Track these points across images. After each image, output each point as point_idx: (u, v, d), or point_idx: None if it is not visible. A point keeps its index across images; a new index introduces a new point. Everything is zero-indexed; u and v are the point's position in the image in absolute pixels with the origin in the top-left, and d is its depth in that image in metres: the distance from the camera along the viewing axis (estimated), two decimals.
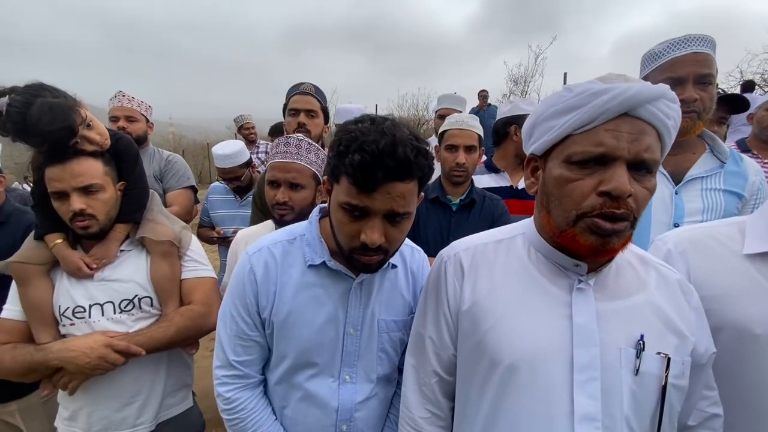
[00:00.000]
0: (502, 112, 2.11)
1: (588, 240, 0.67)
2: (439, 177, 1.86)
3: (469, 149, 1.77)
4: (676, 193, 1.22)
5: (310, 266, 0.97)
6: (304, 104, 1.97)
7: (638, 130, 0.65)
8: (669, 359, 0.70)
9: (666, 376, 0.70)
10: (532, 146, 0.77)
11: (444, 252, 0.90)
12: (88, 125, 1.22)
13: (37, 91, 1.15)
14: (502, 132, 2.03)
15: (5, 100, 1.11)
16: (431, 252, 1.06)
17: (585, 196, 0.66)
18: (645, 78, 1.29)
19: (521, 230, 0.86)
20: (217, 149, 2.58)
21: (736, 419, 0.82)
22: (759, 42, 9.54)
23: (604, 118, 0.65)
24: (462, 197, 1.79)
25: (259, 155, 4.39)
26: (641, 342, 0.70)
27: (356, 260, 0.88)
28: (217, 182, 2.84)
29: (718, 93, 1.63)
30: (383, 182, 0.78)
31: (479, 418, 0.78)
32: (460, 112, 2.84)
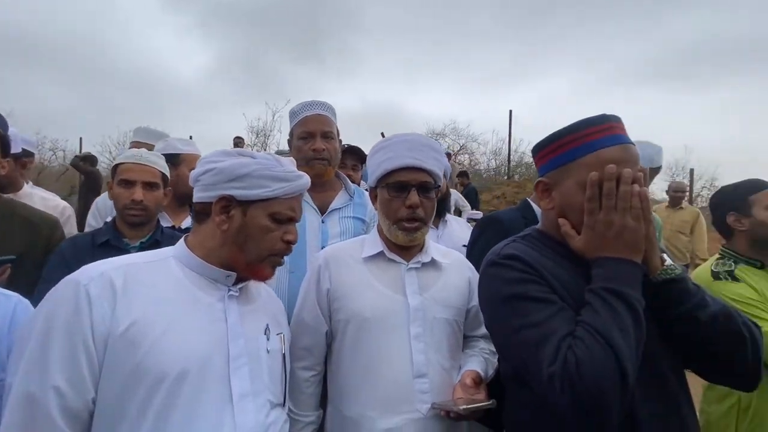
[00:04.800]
0: (158, 149, 1.89)
1: (272, 271, 0.95)
2: (114, 218, 1.53)
3: (149, 186, 1.47)
4: (323, 222, 1.55)
5: None
6: None
7: None
8: (283, 336, 0.99)
9: (283, 348, 0.98)
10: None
11: (78, 276, 0.79)
12: None
13: None
14: None
15: None
16: None
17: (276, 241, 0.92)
18: (292, 129, 1.64)
19: (170, 253, 0.92)
20: None
21: (361, 384, 1.10)
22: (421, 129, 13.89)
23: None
24: (144, 239, 1.48)
25: None
26: (268, 329, 0.95)
27: None
28: None
29: (344, 146, 2.01)
30: None
31: None
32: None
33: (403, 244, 1.16)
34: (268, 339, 0.94)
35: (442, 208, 2.13)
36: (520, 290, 0.86)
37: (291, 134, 1.63)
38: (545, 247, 0.94)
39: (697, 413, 1.53)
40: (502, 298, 0.89)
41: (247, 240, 0.89)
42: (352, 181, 1.79)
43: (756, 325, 0.85)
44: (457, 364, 1.14)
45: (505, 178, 12.85)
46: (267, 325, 0.96)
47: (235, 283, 0.93)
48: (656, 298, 0.84)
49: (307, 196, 1.50)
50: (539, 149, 0.97)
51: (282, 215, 0.90)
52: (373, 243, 1.21)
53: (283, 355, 0.97)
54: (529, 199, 1.67)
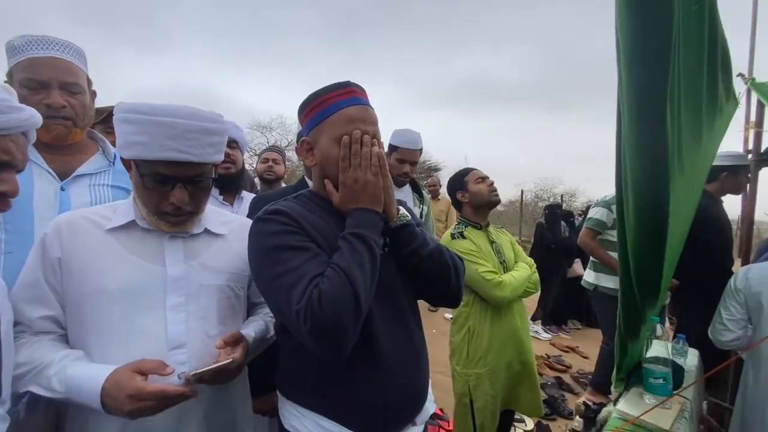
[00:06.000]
0: None
1: None
2: None
3: None
4: (63, 190, 1.22)
5: None
6: None
7: None
8: None
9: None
10: None
11: None
12: None
13: None
14: None
15: None
16: None
17: None
18: (11, 70, 1.19)
19: None
20: None
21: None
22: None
23: None
24: None
25: None
26: None
27: None
28: None
29: (112, 108, 1.78)
30: None
31: None
32: None
33: (169, 231, 1.02)
34: None
35: (238, 185, 2.03)
36: (280, 241, 0.90)
37: (9, 76, 1.20)
38: (314, 204, 1.03)
39: (448, 345, 2.06)
40: (264, 250, 0.92)
41: None
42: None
43: (460, 259, 1.15)
44: (229, 330, 1.06)
45: None
46: None
47: None
48: (394, 241, 1.03)
49: (37, 157, 1.18)
50: (299, 113, 1.06)
51: None
52: (125, 210, 1.02)
53: None
54: (306, 178, 1.81)
